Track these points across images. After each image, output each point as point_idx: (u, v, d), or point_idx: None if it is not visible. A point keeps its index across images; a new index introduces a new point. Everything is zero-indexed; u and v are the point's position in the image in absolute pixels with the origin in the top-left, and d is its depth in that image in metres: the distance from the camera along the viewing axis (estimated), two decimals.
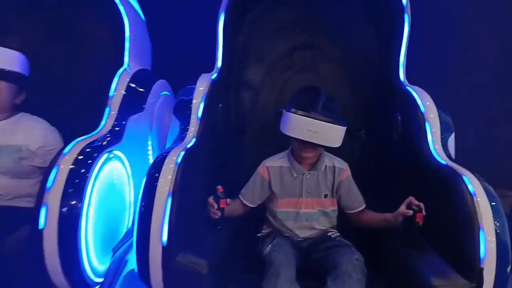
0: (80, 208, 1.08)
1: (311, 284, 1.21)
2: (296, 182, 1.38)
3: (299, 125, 1.22)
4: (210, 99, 1.46)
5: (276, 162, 1.41)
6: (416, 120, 1.41)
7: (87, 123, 1.36)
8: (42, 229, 1.05)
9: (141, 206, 1.07)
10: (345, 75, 1.74)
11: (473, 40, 2.08)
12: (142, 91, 1.51)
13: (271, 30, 1.73)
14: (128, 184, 1.37)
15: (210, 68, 1.62)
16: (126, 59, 1.59)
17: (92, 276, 1.19)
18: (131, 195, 1.39)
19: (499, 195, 1.09)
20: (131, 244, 1.18)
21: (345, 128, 1.25)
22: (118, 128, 1.36)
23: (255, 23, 1.72)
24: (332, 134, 1.23)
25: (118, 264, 1.21)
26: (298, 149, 1.33)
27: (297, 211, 1.38)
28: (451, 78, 2.06)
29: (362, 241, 1.35)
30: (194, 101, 1.41)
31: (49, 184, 1.07)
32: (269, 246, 1.32)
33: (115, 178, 1.29)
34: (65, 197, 1.07)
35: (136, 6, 1.74)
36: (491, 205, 1.03)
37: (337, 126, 1.23)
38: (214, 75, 1.56)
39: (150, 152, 1.56)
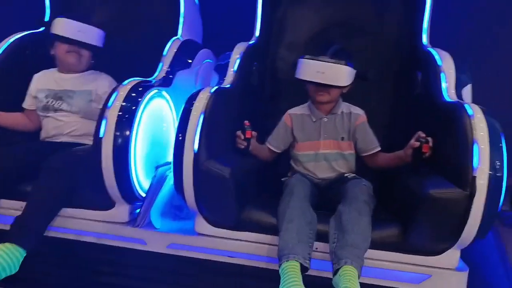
0: (132, 125, 1.34)
1: (322, 212, 1.32)
2: (315, 126, 1.53)
3: (309, 68, 1.40)
4: (246, 59, 1.68)
5: (298, 110, 1.58)
6: (434, 74, 1.51)
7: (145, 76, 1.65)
8: (101, 138, 1.31)
9: (179, 122, 1.30)
10: (376, 47, 1.86)
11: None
12: (188, 53, 1.79)
13: (309, 4, 1.90)
14: (172, 122, 1.62)
15: (249, 39, 1.85)
16: (179, 31, 1.90)
17: (138, 190, 1.43)
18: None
19: None
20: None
21: (351, 68, 1.41)
22: (167, 77, 1.63)
23: None
24: (338, 74, 1.39)
25: (159, 180, 1.44)
26: (313, 93, 1.49)
27: (316, 152, 1.52)
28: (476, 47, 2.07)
29: (374, 183, 1.45)
30: (232, 57, 1.64)
31: (109, 103, 1.34)
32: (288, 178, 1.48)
33: (162, 113, 1.55)
34: (121, 115, 1.33)
35: None
36: (487, 123, 1.12)
37: (341, 66, 1.39)
38: (252, 42, 1.79)
39: None
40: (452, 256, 1.24)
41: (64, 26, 1.67)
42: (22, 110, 1.75)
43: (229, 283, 1.37)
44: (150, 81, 1.53)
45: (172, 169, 1.32)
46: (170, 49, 1.74)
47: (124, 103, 1.34)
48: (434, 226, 1.18)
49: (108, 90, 1.64)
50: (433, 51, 1.59)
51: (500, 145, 1.10)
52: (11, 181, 1.46)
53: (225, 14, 2.16)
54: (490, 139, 1.09)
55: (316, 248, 1.27)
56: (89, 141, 1.66)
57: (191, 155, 1.24)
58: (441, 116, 1.33)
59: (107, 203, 1.43)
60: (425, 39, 1.70)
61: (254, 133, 1.43)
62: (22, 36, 1.86)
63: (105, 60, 1.82)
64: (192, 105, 1.32)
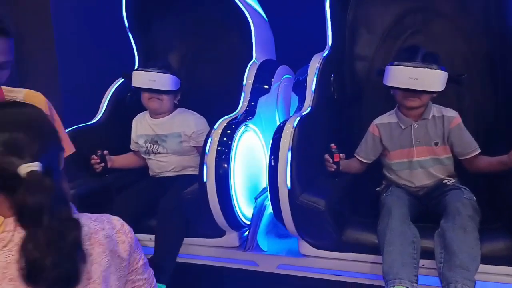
0: (229, 165, 1.48)
1: (425, 225, 1.33)
2: (405, 133, 1.50)
3: (401, 75, 1.35)
4: (323, 74, 1.69)
5: (385, 119, 1.56)
6: None
7: (227, 108, 1.77)
8: (205, 182, 1.48)
9: (270, 161, 1.40)
10: (458, 30, 1.74)
11: None
12: (267, 77, 1.86)
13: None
14: (263, 150, 1.73)
15: (323, 48, 1.85)
16: (254, 53, 1.97)
17: (242, 218, 1.58)
18: (266, 159, 1.74)
19: None
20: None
21: (444, 72, 1.34)
22: (250, 108, 1.73)
23: None
24: (432, 79, 1.33)
25: (259, 209, 1.58)
26: (403, 99, 1.44)
27: (410, 160, 1.49)
28: None
29: (479, 188, 1.39)
30: (308, 77, 1.67)
31: (207, 150, 1.49)
32: (384, 193, 1.49)
33: (252, 145, 1.67)
34: (218, 158, 1.48)
35: (260, 10, 2.10)
36: None
37: (436, 70, 1.33)
38: (326, 53, 1.79)
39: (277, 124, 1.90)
40: None
41: (138, 78, 1.86)
42: (130, 150, 2.01)
43: None
44: (236, 117, 1.65)
45: (269, 201, 1.44)
46: (248, 76, 1.83)
47: (219, 148, 1.48)
48: None
49: (195, 130, 1.84)
50: None
51: None
52: (138, 216, 1.73)
53: (294, 26, 2.17)
54: None
55: (423, 265, 1.29)
56: (189, 171, 1.88)
57: (286, 192, 1.34)
58: None
59: (219, 232, 1.61)
60: None
61: (342, 155, 1.47)
62: (122, 81, 2.11)
63: (190, 91, 1.99)
64: (278, 142, 1.40)
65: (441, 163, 1.48)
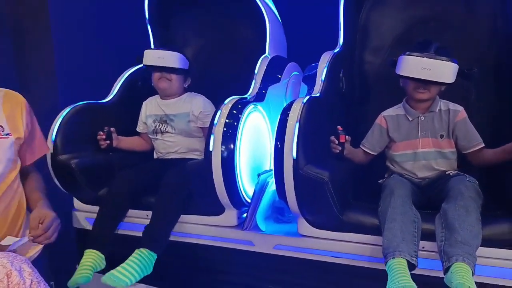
0: (235, 138, 1.49)
1: (426, 212, 1.32)
2: (412, 125, 1.52)
3: (414, 64, 1.39)
4: (333, 67, 1.75)
5: (392, 112, 1.59)
6: None
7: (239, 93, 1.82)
8: (211, 151, 1.49)
9: (277, 132, 1.42)
10: (468, 39, 1.79)
11: None
12: (277, 68, 1.92)
13: (391, 5, 1.91)
14: (268, 133, 1.75)
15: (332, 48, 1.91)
16: (266, 49, 2.05)
17: (244, 195, 1.57)
18: (271, 143, 1.76)
19: None
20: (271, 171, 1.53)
21: (456, 65, 1.38)
22: (260, 93, 1.78)
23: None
24: (444, 71, 1.36)
25: (262, 186, 1.57)
26: (413, 90, 1.47)
27: (414, 151, 1.51)
28: None
29: (482, 181, 1.39)
30: (319, 67, 1.72)
31: (215, 121, 1.52)
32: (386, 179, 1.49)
33: (258, 126, 1.69)
34: (225, 129, 1.49)
35: (275, 11, 2.21)
36: None
37: (449, 63, 1.36)
38: (337, 49, 1.85)
39: None
40: None
41: (147, 56, 1.92)
42: (137, 134, 2.04)
43: (332, 281, 1.44)
44: (246, 98, 1.69)
45: (273, 176, 1.44)
46: (260, 67, 1.89)
47: (227, 120, 1.50)
48: None
49: (202, 110, 1.87)
50: None
51: None
52: (137, 193, 1.72)
53: (307, 25, 2.26)
54: None
55: (423, 247, 1.27)
56: (193, 155, 1.90)
57: (291, 161, 1.35)
58: None
59: (218, 209, 1.60)
60: None
61: (348, 137, 1.49)
62: (134, 70, 2.17)
63: (203, 81, 2.04)
64: (287, 115, 1.42)
65: (444, 156, 1.49)
